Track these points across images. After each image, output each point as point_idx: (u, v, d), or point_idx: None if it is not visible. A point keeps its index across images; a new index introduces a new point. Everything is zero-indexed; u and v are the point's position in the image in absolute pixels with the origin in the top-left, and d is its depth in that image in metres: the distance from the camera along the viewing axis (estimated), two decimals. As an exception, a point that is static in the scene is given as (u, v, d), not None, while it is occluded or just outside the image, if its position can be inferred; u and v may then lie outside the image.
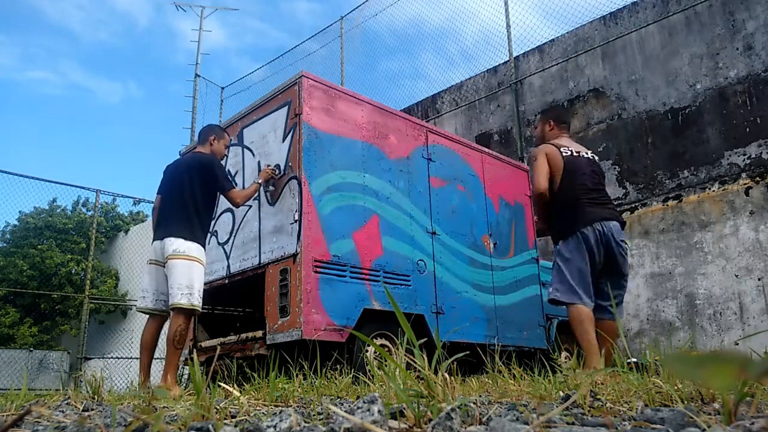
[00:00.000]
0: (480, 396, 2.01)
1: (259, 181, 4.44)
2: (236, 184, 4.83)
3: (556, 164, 3.94)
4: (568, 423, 1.20)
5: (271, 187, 4.57)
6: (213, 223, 4.96)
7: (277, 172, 4.53)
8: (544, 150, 4.01)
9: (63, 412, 1.90)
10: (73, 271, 18.12)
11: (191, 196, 4.04)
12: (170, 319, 3.91)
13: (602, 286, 3.84)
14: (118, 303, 15.32)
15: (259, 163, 4.74)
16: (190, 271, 3.87)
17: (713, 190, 7.59)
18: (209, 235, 4.87)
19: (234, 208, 4.71)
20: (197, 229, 4.03)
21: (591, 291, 3.75)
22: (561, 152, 3.96)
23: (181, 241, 3.91)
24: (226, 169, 5.07)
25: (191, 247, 3.93)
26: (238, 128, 5.10)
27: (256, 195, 4.61)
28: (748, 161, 7.39)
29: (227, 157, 5.10)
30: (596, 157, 4.20)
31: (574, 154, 4.02)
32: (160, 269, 4.02)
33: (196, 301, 3.85)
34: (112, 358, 12.43)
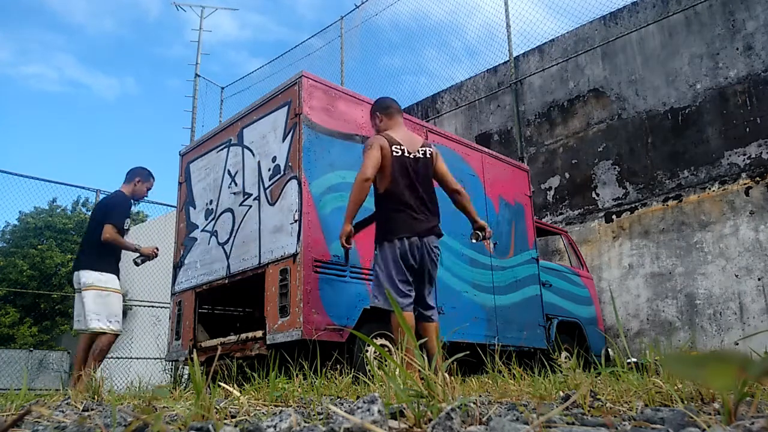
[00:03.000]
0: (480, 396, 2.01)
1: (138, 247, 4.77)
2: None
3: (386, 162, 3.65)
4: (568, 423, 1.20)
5: (139, 259, 4.88)
6: (214, 223, 5.08)
7: (157, 255, 4.85)
8: (379, 141, 3.68)
9: (63, 412, 1.90)
10: (73, 271, 18.11)
11: (101, 230, 4.46)
12: (96, 338, 4.37)
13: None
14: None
15: (259, 163, 4.75)
16: (99, 299, 4.36)
17: (713, 190, 7.59)
18: (210, 235, 5.11)
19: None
20: (105, 258, 4.49)
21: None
22: (392, 150, 3.67)
23: (89, 272, 4.40)
24: (226, 170, 5.11)
25: (99, 278, 4.41)
26: (238, 128, 5.10)
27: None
28: (748, 161, 7.39)
29: (226, 159, 5.14)
30: (429, 151, 3.85)
31: (406, 153, 3.73)
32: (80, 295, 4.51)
33: (108, 324, 4.35)
34: (112, 358, 12.40)
